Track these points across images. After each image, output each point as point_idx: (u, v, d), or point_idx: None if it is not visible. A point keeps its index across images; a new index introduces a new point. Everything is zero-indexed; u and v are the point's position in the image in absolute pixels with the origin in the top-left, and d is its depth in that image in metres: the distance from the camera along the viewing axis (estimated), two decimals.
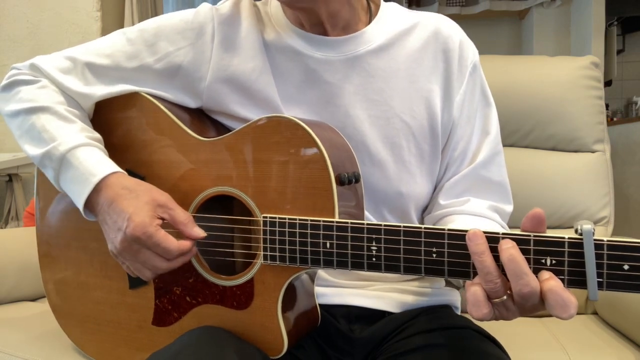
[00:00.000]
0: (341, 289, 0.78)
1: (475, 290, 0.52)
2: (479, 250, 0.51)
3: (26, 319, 1.08)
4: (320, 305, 0.75)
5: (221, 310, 0.70)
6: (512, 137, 1.32)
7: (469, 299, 0.52)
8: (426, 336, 0.71)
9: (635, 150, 2.29)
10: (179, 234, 0.67)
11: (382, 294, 0.79)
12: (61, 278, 0.86)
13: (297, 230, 0.63)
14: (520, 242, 0.51)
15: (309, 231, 0.62)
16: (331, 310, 0.77)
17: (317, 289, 0.75)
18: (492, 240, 0.52)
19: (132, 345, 0.79)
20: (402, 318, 0.77)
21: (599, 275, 0.49)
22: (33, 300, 1.25)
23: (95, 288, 0.82)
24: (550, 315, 0.51)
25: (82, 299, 0.83)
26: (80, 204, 0.69)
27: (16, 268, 1.21)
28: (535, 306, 0.51)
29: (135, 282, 0.77)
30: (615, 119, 3.29)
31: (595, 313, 1.21)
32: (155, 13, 2.79)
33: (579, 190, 1.27)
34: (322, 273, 0.78)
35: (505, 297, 0.52)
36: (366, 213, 0.76)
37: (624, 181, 2.28)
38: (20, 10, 2.48)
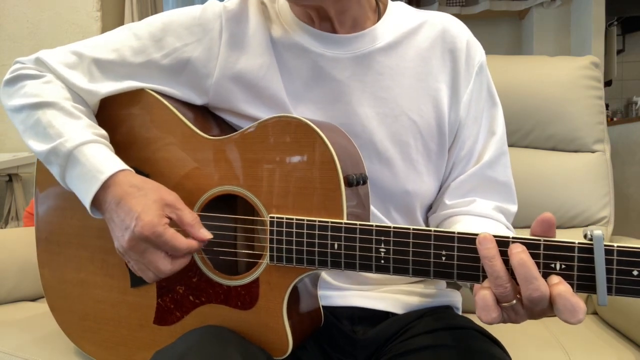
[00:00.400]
0: (345, 292, 0.78)
1: (484, 294, 0.52)
2: (490, 255, 0.51)
3: (26, 319, 1.07)
4: (323, 307, 0.74)
5: (225, 310, 0.70)
6: (512, 137, 1.31)
7: (478, 303, 0.52)
8: (430, 336, 0.71)
9: (635, 150, 2.29)
10: (185, 234, 0.66)
11: (386, 295, 0.79)
12: (60, 275, 0.84)
13: (305, 231, 0.62)
14: (530, 246, 0.51)
15: (316, 232, 0.62)
16: (334, 311, 0.77)
17: (320, 292, 0.75)
18: (502, 244, 0.52)
19: (132, 344, 0.78)
20: (406, 319, 0.77)
21: (609, 280, 0.49)
22: (33, 300, 1.24)
23: (96, 286, 0.81)
24: (551, 316, 0.51)
25: (82, 297, 0.82)
26: (87, 201, 0.68)
27: (16, 268, 1.20)
28: (544, 310, 0.51)
29: (137, 281, 0.76)
30: (615, 119, 3.28)
31: (595, 313, 1.21)
32: (155, 12, 2.78)
33: (579, 190, 1.27)
34: (325, 276, 0.78)
35: (514, 301, 0.52)
36: (373, 209, 0.76)
37: (624, 181, 2.28)
38: (20, 10, 2.46)
